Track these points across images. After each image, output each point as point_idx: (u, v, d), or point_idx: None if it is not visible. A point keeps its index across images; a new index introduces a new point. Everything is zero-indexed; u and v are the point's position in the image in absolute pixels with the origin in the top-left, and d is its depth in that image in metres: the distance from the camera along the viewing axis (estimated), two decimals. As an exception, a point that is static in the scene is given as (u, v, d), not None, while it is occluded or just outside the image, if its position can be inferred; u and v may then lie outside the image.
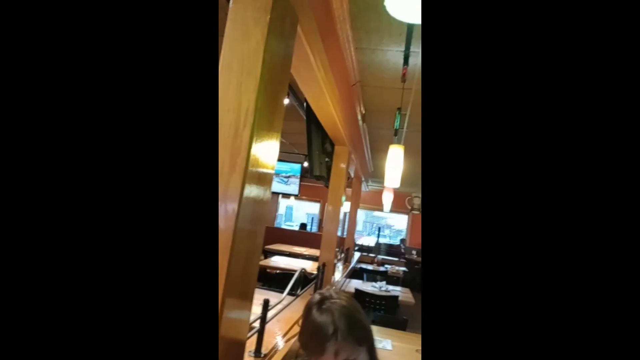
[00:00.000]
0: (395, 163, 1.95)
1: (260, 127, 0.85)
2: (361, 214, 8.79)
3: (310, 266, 3.56)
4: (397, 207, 7.99)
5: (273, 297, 1.66)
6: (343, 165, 2.59)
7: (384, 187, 4.98)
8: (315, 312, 0.74)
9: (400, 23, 1.70)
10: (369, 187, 7.32)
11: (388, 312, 2.76)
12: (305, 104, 2.31)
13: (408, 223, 8.39)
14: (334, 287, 2.58)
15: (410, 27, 1.69)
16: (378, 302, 2.81)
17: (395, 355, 1.72)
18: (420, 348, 1.84)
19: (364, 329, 0.74)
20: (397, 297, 2.88)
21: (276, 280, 2.71)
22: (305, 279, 1.98)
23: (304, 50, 1.21)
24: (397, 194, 7.76)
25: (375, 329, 2.08)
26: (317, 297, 0.78)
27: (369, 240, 8.27)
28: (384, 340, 1.86)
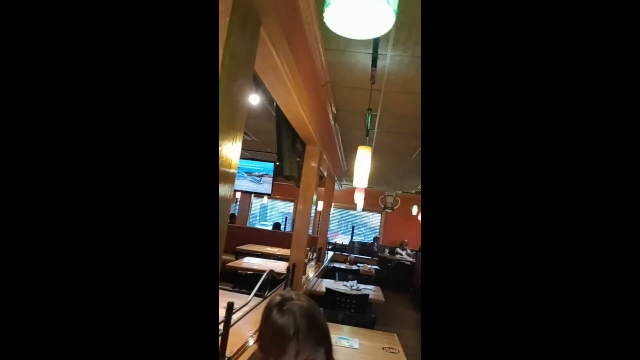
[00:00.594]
0: (363, 164, 1.98)
1: (221, 130, 0.84)
2: (336, 213, 8.85)
3: (283, 267, 3.55)
4: (370, 206, 8.10)
5: (241, 299, 1.64)
6: (314, 165, 2.60)
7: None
8: (275, 314, 0.74)
9: (368, 26, 1.73)
10: (343, 185, 7.38)
11: (358, 311, 2.80)
12: (275, 104, 2.30)
13: (381, 221, 8.53)
14: (304, 289, 2.59)
15: (377, 31, 1.72)
16: (349, 301, 2.85)
17: (362, 354, 1.75)
18: (387, 346, 1.88)
19: (323, 330, 0.76)
20: (367, 295, 2.92)
21: (246, 281, 2.68)
22: (273, 280, 1.97)
23: (269, 52, 1.21)
24: (371, 192, 7.87)
25: (344, 328, 2.10)
26: (277, 298, 0.78)
27: (345, 239, 8.35)
28: (352, 339, 1.88)
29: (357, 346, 1.81)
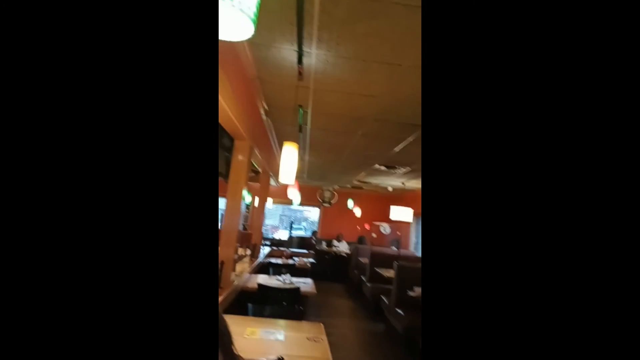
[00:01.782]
0: (290, 160, 2.00)
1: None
2: (277, 208, 8.83)
3: (214, 263, 3.45)
4: (309, 201, 8.21)
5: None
6: (243, 159, 2.57)
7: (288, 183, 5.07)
8: None
9: (290, 23, 1.75)
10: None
11: (291, 304, 2.84)
12: (201, 97, 2.22)
13: (320, 215, 8.70)
14: (233, 285, 2.56)
15: (300, 28, 1.74)
16: (280, 295, 2.87)
17: (285, 344, 1.78)
18: (312, 336, 1.94)
19: (220, 334, 0.78)
20: (298, 288, 2.97)
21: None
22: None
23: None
24: (309, 188, 7.97)
25: (272, 322, 2.13)
26: None
27: (286, 234, 8.36)
28: (277, 332, 1.91)
29: (282, 338, 1.84)
